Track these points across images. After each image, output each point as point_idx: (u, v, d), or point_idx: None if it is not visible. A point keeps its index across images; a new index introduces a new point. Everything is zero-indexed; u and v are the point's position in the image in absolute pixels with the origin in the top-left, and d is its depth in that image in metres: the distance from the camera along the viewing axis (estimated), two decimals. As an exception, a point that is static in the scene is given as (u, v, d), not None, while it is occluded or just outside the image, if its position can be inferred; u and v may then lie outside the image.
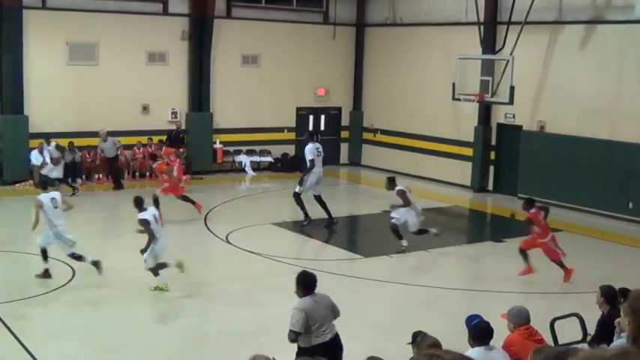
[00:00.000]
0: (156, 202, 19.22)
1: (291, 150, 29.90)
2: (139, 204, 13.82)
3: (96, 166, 26.04)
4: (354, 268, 16.43)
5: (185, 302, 13.92)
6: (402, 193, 17.33)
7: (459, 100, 24.11)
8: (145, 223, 13.53)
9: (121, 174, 25.72)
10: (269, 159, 29.25)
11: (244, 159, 28.42)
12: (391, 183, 17.68)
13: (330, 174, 28.55)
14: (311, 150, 19.93)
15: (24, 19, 24.85)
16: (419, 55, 28.06)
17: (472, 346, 7.94)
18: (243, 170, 28.02)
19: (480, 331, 8.06)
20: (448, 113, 26.58)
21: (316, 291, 8.97)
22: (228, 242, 17.91)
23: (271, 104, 29.20)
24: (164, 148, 24.22)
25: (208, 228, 19.28)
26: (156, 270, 13.73)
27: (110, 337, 11.89)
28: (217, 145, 28.39)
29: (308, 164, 19.83)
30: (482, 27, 24.69)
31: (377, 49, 30.19)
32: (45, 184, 15.48)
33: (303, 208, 19.62)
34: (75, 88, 25.90)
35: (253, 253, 16.91)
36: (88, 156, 25.99)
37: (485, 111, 25.62)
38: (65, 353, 11.05)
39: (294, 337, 8.77)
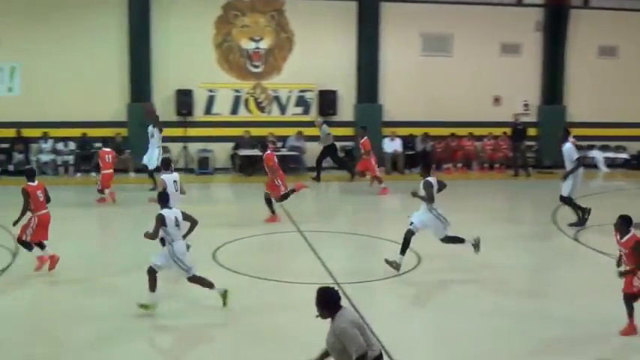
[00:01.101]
0: (268, 202, 17.84)
1: (650, 147, 28.23)
2: (164, 201, 11.74)
3: (446, 155, 26.38)
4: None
5: (520, 302, 13.41)
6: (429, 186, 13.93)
7: None
8: (161, 219, 11.38)
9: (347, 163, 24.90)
10: (624, 156, 27.76)
11: (597, 154, 27.19)
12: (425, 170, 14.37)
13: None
14: (573, 148, 18.16)
15: (381, 12, 25.68)
16: None
17: None
18: (595, 166, 26.82)
19: None
20: None
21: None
22: (577, 241, 17.13)
23: (629, 98, 27.69)
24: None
25: (558, 226, 18.55)
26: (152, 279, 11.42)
27: (452, 324, 11.76)
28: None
29: (573, 164, 17.92)
30: None
31: None
32: (167, 165, 15.21)
33: (577, 208, 18.23)
34: (427, 78, 26.31)
35: (604, 254, 15.98)
36: (438, 146, 26.36)
37: None
38: (405, 336, 11.11)
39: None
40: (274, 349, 10.56)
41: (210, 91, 25.43)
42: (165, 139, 24.72)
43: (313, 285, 13.13)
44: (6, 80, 24.47)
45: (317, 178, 23.76)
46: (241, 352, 9.99)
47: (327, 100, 25.76)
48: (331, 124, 25.71)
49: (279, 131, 25.27)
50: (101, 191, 20.00)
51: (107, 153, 20.31)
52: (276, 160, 18.01)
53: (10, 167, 23.82)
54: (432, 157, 26.27)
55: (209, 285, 11.63)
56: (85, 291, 12.65)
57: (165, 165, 15.13)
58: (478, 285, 13.45)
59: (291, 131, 25.38)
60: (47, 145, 24.44)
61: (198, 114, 25.35)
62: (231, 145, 25.33)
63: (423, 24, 26.29)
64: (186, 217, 11.74)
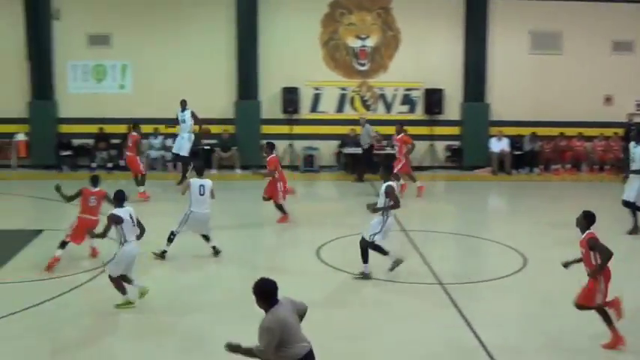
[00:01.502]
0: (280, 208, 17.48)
1: None
2: (119, 199, 11.77)
3: (555, 156, 25.87)
4: None
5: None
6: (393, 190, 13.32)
7: None
8: (114, 218, 11.45)
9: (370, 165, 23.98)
10: None
11: None
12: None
13: None
14: None
15: (489, 9, 25.35)
16: None
17: None
18: None
19: None
20: None
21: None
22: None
23: None
24: None
25: None
26: (118, 284, 11.61)
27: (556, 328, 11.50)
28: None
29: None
30: None
31: None
32: (200, 171, 14.97)
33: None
34: (536, 77, 25.83)
35: None
36: (546, 146, 25.86)
37: None
38: (508, 338, 10.93)
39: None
40: (371, 346, 10.55)
41: (317, 89, 25.56)
42: (271, 137, 25.06)
43: (416, 285, 13.16)
44: (118, 78, 25.19)
45: (360, 179, 23.45)
46: (334, 347, 9.98)
47: (433, 99, 25.54)
48: (438, 123, 25.60)
49: (384, 129, 25.16)
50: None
51: (130, 136, 20.30)
52: (279, 165, 17.71)
53: (122, 162, 24.46)
54: (540, 157, 25.79)
55: (129, 281, 11.67)
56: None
57: (198, 171, 14.98)
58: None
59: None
60: (157, 142, 24.98)
61: (304, 112, 25.52)
62: (336, 143, 25.41)
63: (531, 21, 25.78)
64: (138, 222, 11.82)
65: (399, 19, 25.47)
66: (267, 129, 25.11)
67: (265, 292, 7.33)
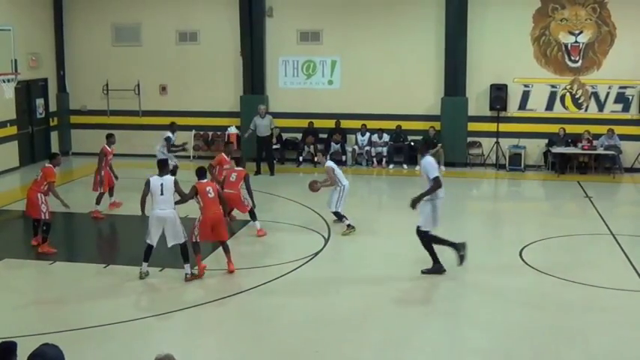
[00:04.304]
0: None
1: None
2: None
3: None
4: None
5: None
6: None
7: None
8: None
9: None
10: None
11: None
12: None
13: None
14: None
15: None
16: None
17: None
18: None
19: None
20: None
21: None
22: None
23: None
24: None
25: None
26: None
27: None
28: None
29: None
30: None
31: None
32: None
33: None
34: None
35: None
36: None
37: None
38: None
39: None
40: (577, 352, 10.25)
41: (526, 86, 24.93)
42: (477, 134, 24.82)
43: (622, 291, 12.59)
44: (327, 74, 25.66)
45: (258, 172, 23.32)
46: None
47: (652, 97, 24.27)
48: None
49: (594, 129, 24.17)
50: None
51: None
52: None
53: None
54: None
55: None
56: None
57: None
58: None
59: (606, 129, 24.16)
60: (364, 138, 25.16)
61: (512, 109, 24.95)
62: (544, 141, 24.68)
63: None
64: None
65: (615, 13, 24.33)
66: (473, 126, 24.77)
67: None
